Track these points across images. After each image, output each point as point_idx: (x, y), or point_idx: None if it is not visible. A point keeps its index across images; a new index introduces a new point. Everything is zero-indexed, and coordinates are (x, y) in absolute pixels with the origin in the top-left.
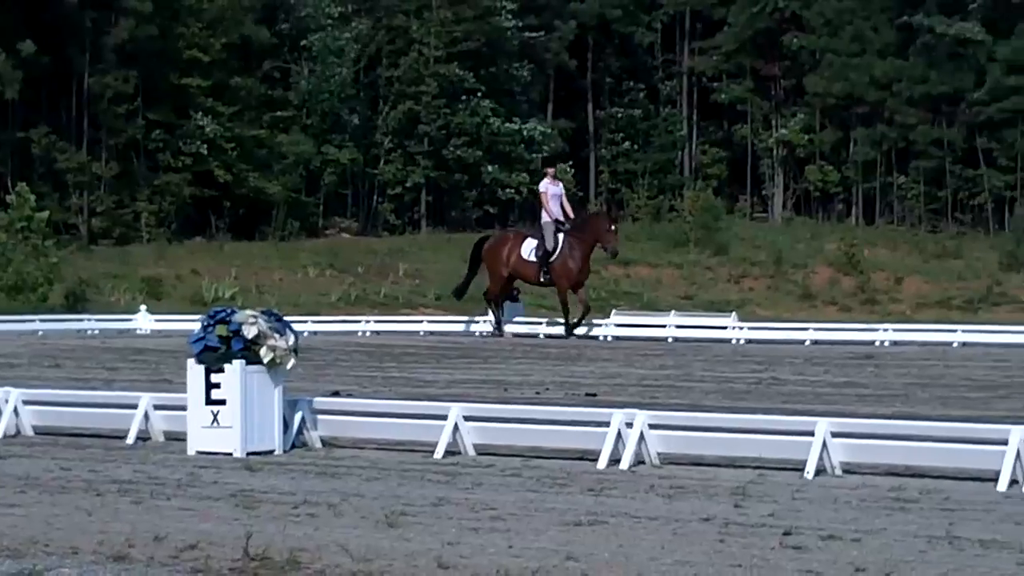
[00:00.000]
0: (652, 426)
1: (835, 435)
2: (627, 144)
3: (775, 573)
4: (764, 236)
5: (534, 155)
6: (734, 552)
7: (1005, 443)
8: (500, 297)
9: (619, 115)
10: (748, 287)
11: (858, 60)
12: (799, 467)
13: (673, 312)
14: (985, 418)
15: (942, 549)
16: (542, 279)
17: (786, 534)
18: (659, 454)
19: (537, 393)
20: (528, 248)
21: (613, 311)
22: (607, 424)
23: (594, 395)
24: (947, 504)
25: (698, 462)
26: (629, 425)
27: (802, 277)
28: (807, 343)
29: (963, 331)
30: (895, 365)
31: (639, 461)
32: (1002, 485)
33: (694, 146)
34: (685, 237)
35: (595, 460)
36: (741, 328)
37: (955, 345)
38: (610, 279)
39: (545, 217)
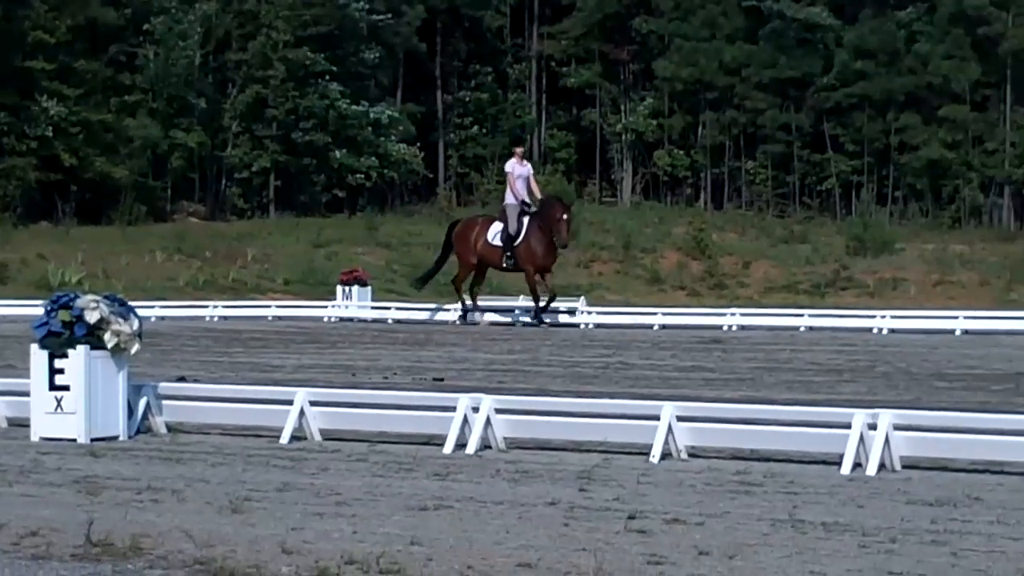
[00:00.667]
0: (498, 411)
1: (680, 419)
2: (476, 128)
3: (619, 557)
4: (613, 220)
5: (382, 139)
6: (579, 536)
7: (848, 427)
8: (474, 286)
9: (468, 99)
10: (597, 271)
11: (707, 45)
12: (645, 451)
13: (521, 296)
14: (830, 402)
15: (785, 532)
16: (504, 264)
17: (631, 518)
18: (505, 439)
19: (385, 378)
20: (494, 232)
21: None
22: (453, 409)
23: (441, 380)
24: (791, 487)
25: (544, 446)
26: (475, 410)
27: (651, 261)
28: (655, 327)
29: (810, 315)
30: (742, 349)
31: (485, 446)
32: (845, 468)
33: (543, 130)
34: None
35: (441, 445)
36: (589, 312)
37: (802, 329)
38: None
39: (509, 199)
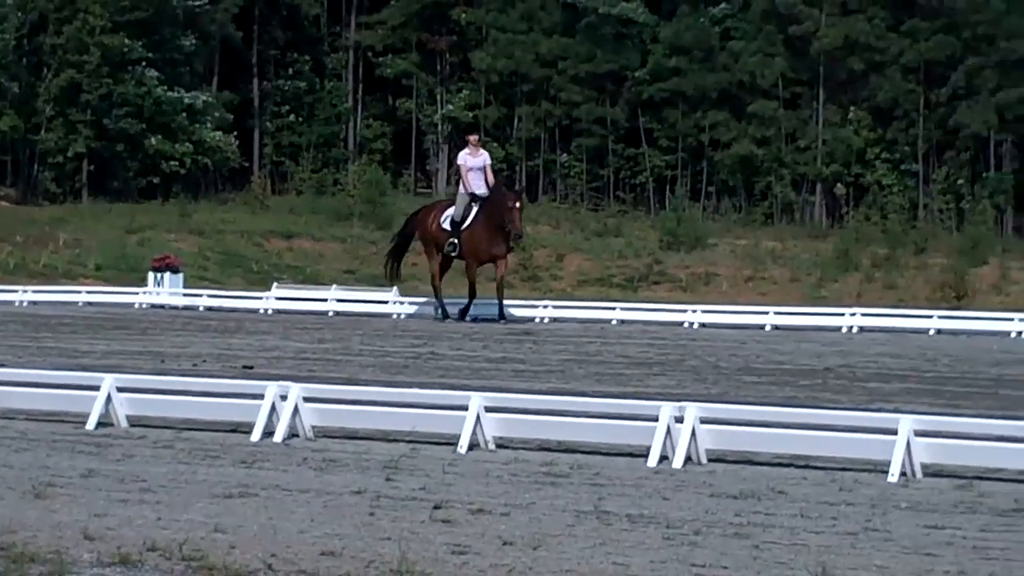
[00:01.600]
0: (306, 399)
1: (488, 410)
2: (292, 117)
3: (424, 547)
4: None
5: (197, 126)
6: (384, 525)
7: (655, 419)
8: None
9: (285, 87)
10: (411, 262)
11: (524, 37)
12: (453, 441)
13: (334, 286)
14: (638, 395)
15: (590, 523)
16: (446, 248)
17: (436, 508)
18: (313, 427)
19: (194, 365)
20: (446, 215)
21: (274, 284)
22: (261, 397)
23: (251, 368)
24: (597, 479)
25: (352, 435)
26: (283, 398)
27: None
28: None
29: (621, 309)
30: (553, 341)
31: (293, 434)
32: (652, 461)
33: (359, 120)
34: (349, 211)
35: (249, 433)
36: (402, 303)
37: (613, 322)
38: (273, 252)
39: (462, 189)
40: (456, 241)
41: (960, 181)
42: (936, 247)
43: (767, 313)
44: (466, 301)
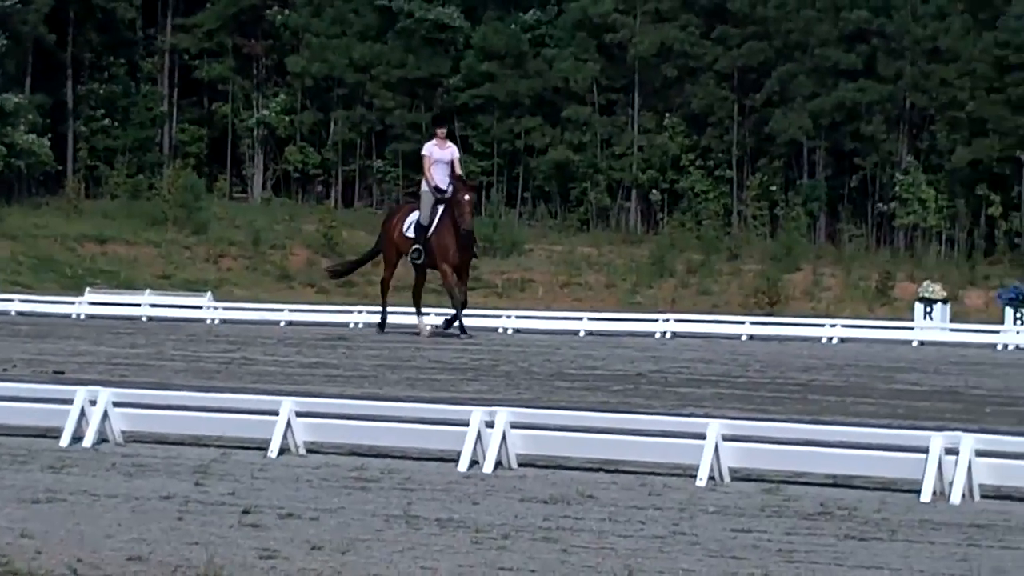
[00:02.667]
0: (116, 404)
1: (299, 415)
2: (107, 120)
3: (232, 551)
4: (243, 216)
5: (9, 128)
6: (192, 530)
7: (467, 424)
8: (418, 287)
9: (99, 91)
10: (227, 267)
11: (338, 41)
12: (263, 446)
13: (148, 291)
14: (451, 400)
15: (399, 527)
16: (411, 256)
17: (245, 512)
18: (123, 432)
19: (4, 370)
20: (410, 221)
21: (88, 289)
22: (71, 402)
23: (61, 372)
24: (407, 484)
25: (162, 440)
26: (93, 403)
27: (280, 258)
28: (282, 324)
29: (436, 314)
30: (367, 347)
31: (102, 439)
32: (462, 466)
33: (174, 124)
34: (163, 216)
35: (58, 438)
36: (216, 308)
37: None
38: (87, 256)
39: (424, 186)
40: (421, 248)
41: (774, 188)
42: (750, 253)
43: (581, 319)
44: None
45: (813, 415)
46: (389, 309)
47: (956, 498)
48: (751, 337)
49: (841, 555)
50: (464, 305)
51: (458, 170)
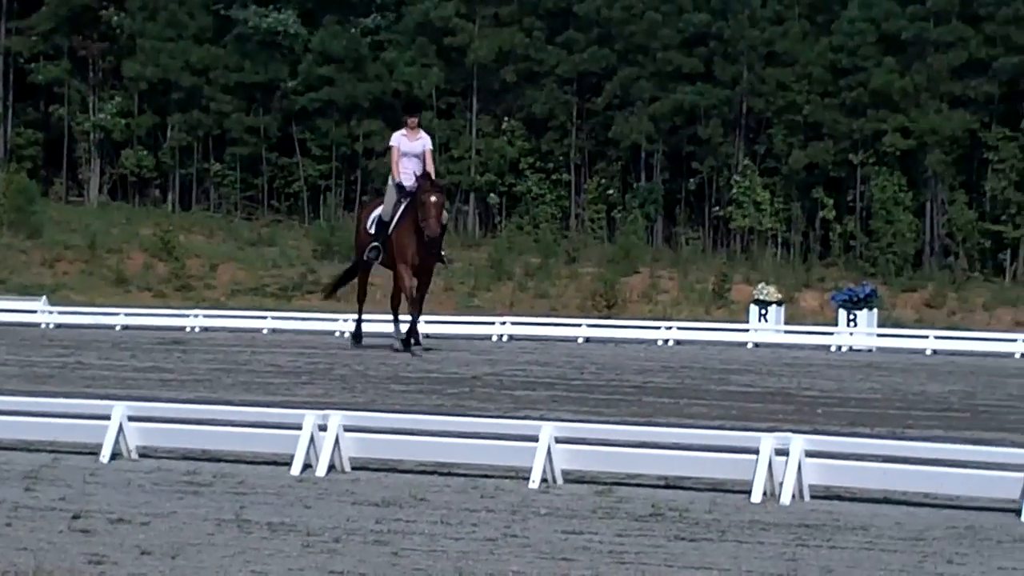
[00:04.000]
0: None
1: (132, 419)
2: None
3: (60, 556)
4: (80, 220)
5: None
6: (21, 536)
7: (299, 428)
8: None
9: None
10: (63, 271)
11: (173, 45)
12: (96, 451)
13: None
14: (285, 404)
15: (230, 532)
16: (367, 255)
17: (75, 517)
18: None
19: None
20: (374, 217)
21: None
22: None
23: None
24: (240, 488)
25: None
26: None
27: (117, 262)
28: (118, 328)
29: (273, 318)
30: (203, 351)
31: None
32: (295, 470)
33: (9, 127)
34: None
35: None
36: (51, 312)
37: (265, 332)
38: None
39: (391, 180)
40: (379, 245)
41: (611, 191)
42: (588, 256)
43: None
44: (408, 322)
45: (646, 417)
46: (366, 316)
47: (786, 499)
48: (587, 340)
49: (671, 556)
50: (418, 315)
51: (429, 165)
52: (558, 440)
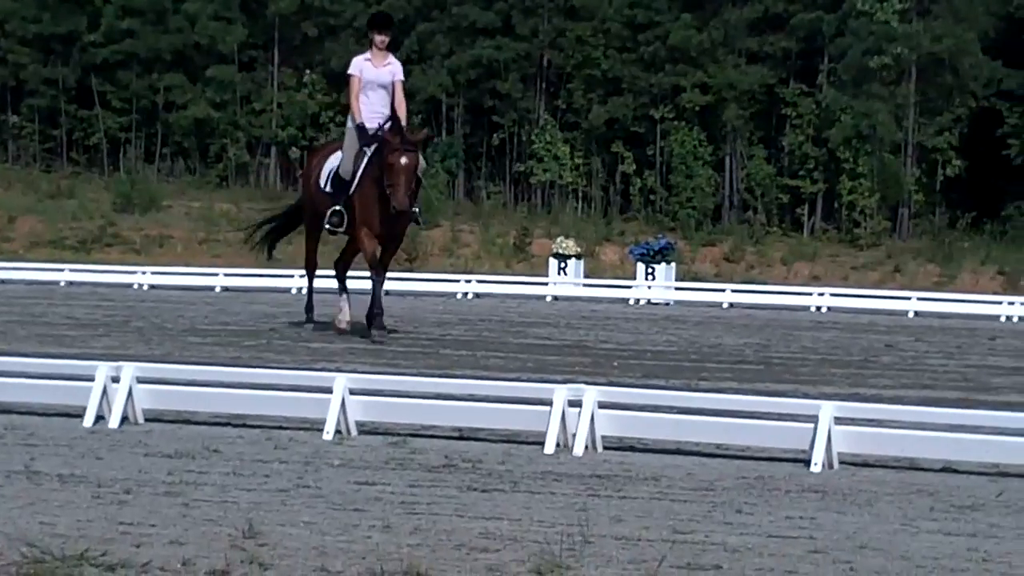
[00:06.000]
0: None
1: None
2: None
3: None
4: None
5: None
6: None
7: (92, 380)
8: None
9: None
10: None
11: None
12: None
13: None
14: (80, 356)
15: (20, 483)
16: (328, 222)
17: None
18: None
19: None
20: (328, 169)
21: None
22: None
23: None
24: (31, 440)
25: None
26: None
27: None
28: None
29: (71, 271)
30: None
31: None
32: (88, 421)
33: None
34: None
35: None
36: None
37: (62, 284)
38: None
39: (349, 121)
40: (341, 210)
41: None
42: None
43: (217, 275)
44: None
45: (443, 369)
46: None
47: (579, 450)
48: (387, 293)
49: (463, 506)
50: (381, 283)
51: (400, 102)
52: (352, 392)
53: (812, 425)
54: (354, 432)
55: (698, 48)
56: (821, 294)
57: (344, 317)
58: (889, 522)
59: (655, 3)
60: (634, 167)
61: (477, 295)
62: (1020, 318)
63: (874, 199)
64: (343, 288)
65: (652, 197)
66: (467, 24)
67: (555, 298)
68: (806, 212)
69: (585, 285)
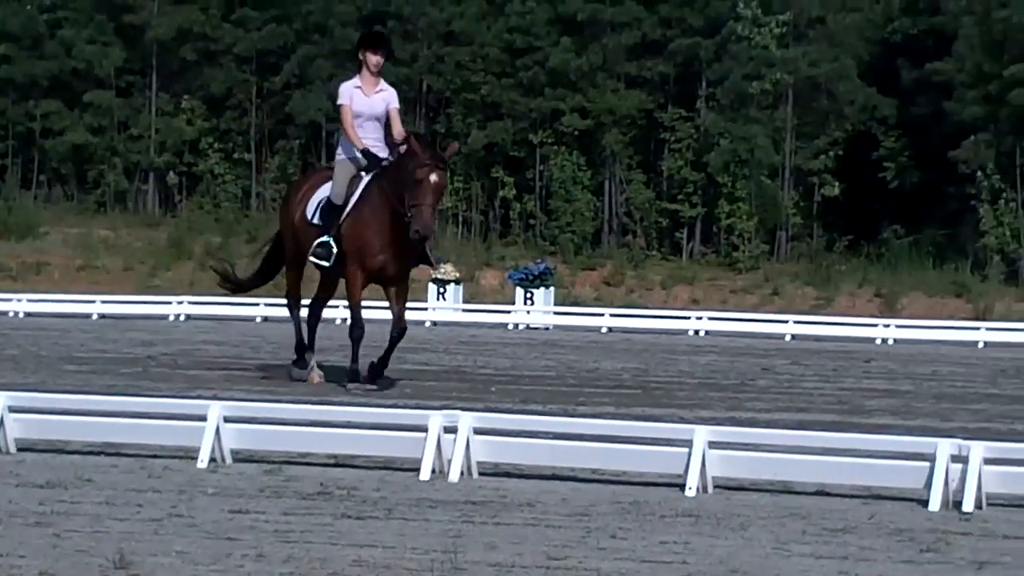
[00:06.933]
0: None
1: None
2: None
3: None
4: None
5: None
6: None
7: None
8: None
9: None
10: None
11: None
12: None
13: None
14: None
15: None
16: (313, 253)
17: None
18: None
19: None
20: (317, 199)
21: None
22: None
23: None
24: None
25: None
26: None
27: None
28: None
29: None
30: None
31: None
32: None
33: None
34: None
35: None
36: None
37: None
38: None
39: (340, 155)
40: (330, 242)
41: (292, 170)
42: (269, 235)
43: (94, 302)
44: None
45: (319, 396)
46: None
47: (455, 476)
48: (265, 319)
49: (337, 534)
50: (401, 336)
51: (397, 126)
52: (227, 419)
53: (687, 449)
54: (229, 460)
55: (577, 72)
56: (699, 318)
57: (315, 375)
58: (761, 545)
59: (534, 28)
60: (514, 192)
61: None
62: (895, 340)
63: (752, 223)
64: (311, 344)
65: (532, 221)
66: (348, 48)
67: (434, 323)
68: (685, 236)
69: (464, 310)
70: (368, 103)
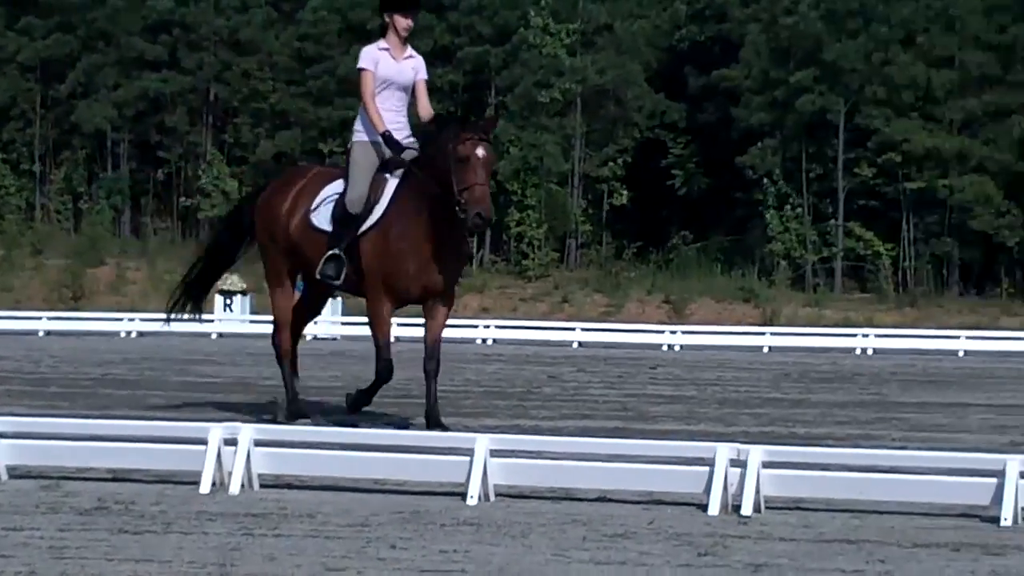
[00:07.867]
0: None
1: None
2: None
3: None
4: None
5: None
6: None
7: None
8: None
9: None
10: None
11: None
12: None
13: None
14: None
15: None
16: (321, 270)
17: None
18: None
19: None
20: (323, 199)
21: None
22: None
23: None
24: None
25: None
26: None
27: None
28: None
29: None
30: None
31: None
32: None
33: None
34: None
35: None
36: None
37: None
38: None
39: (361, 133)
40: (341, 255)
41: (77, 181)
42: (54, 248)
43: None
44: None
45: (101, 409)
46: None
47: (235, 488)
48: (49, 332)
49: (113, 549)
50: (437, 371)
51: (426, 110)
52: (3, 435)
53: (468, 458)
54: (4, 477)
55: None
56: (487, 326)
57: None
58: (541, 552)
59: (325, 37)
60: None
61: (141, 333)
62: (682, 346)
63: (542, 230)
64: (293, 369)
65: None
66: (134, 56)
67: (220, 335)
68: (475, 244)
69: (251, 321)
70: (397, 68)
